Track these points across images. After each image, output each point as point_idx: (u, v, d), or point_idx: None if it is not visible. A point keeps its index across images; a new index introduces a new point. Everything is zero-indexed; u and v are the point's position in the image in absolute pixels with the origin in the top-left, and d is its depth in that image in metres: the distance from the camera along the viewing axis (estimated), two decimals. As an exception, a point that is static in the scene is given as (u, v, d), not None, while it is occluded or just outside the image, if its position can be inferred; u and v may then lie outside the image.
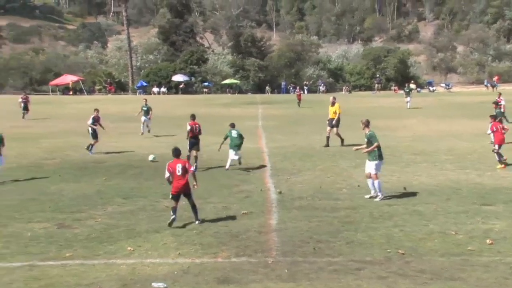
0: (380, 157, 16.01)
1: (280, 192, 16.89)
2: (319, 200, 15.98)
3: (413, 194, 16.56)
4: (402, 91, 61.13)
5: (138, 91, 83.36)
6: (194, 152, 21.35)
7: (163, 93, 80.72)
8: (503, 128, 21.59)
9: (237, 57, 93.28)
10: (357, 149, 17.22)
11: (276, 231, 12.98)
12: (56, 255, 11.46)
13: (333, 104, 27.14)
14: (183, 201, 13.71)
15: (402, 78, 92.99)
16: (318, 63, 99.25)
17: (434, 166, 21.25)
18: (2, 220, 14.09)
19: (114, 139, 29.61)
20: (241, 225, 13.44)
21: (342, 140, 26.45)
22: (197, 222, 13.66)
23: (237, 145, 21.18)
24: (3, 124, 36.45)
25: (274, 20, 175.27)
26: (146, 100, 33.60)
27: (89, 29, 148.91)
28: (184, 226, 13.44)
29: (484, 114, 28.66)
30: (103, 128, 26.18)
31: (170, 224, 13.35)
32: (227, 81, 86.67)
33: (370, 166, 15.91)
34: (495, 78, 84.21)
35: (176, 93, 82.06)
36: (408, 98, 48.02)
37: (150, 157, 22.85)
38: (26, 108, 43.12)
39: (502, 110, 31.97)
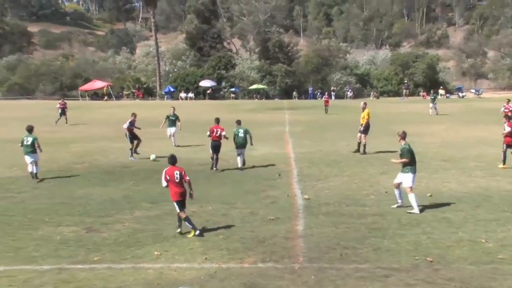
0: (412, 170, 15.47)
1: (307, 198, 16.83)
2: (346, 206, 15.89)
3: (442, 201, 16.36)
4: (438, 97, 60.81)
5: (165, 96, 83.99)
6: (213, 155, 22.26)
7: (191, 98, 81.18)
8: None
9: (265, 63, 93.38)
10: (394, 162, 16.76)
11: (302, 237, 12.94)
12: (84, 259, 11.59)
13: (363, 109, 26.90)
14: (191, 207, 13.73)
15: (431, 83, 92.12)
16: (345, 69, 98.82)
17: (464, 173, 20.98)
18: (33, 224, 14.31)
19: (142, 144, 29.80)
20: (267, 230, 13.42)
21: (363, 147, 26.18)
22: (178, 230, 13.44)
23: (242, 144, 22.20)
24: (34, 129, 37.05)
25: (301, 26, 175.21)
26: (174, 108, 29.83)
27: (117, 35, 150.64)
28: (204, 230, 13.47)
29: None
30: (139, 128, 26.21)
31: (200, 234, 13.13)
32: (254, 86, 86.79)
33: (402, 178, 15.54)
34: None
35: (204, 98, 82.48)
36: (431, 105, 47.45)
37: (152, 157, 23.17)
38: (63, 114, 43.49)
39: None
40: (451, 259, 11.28)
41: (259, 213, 15.15)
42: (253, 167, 22.74)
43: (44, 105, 66.54)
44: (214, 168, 22.08)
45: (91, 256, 11.73)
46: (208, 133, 22.33)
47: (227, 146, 23.00)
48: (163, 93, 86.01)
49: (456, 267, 10.78)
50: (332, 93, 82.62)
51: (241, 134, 22.22)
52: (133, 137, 25.57)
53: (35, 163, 21.00)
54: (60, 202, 16.80)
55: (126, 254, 11.84)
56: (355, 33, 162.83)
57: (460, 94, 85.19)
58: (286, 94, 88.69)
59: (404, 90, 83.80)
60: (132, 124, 25.75)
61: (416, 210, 15.18)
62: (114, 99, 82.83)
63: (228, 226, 13.79)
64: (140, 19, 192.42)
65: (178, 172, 13.50)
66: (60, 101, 46.36)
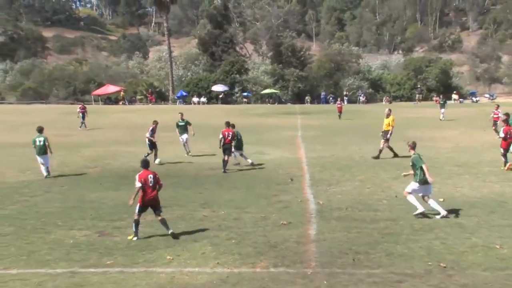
0: (422, 181, 15.23)
1: (320, 203, 16.78)
2: (358, 211, 15.83)
3: (455, 206, 16.24)
4: (450, 101, 60.27)
5: (178, 101, 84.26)
6: (226, 157, 22.96)
7: (203, 103, 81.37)
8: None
9: (277, 67, 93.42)
10: (405, 175, 16.59)
11: (314, 241, 12.90)
12: (97, 263, 11.62)
13: (388, 116, 26.72)
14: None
15: (444, 88, 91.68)
16: (358, 73, 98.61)
17: (477, 178, 20.82)
18: (46, 227, 14.38)
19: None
20: (279, 235, 13.39)
21: (379, 152, 26.10)
22: (170, 231, 13.44)
23: (236, 146, 23.46)
24: (48, 133, 37.30)
25: (314, 30, 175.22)
26: (182, 114, 28.57)
27: (129, 39, 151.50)
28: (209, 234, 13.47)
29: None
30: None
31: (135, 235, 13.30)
32: (267, 91, 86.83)
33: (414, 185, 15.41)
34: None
35: (216, 103, 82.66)
36: (442, 110, 47.21)
37: (156, 161, 23.51)
38: (84, 118, 43.62)
39: (498, 122, 32.56)
40: (464, 265, 11.18)
41: (271, 218, 15.12)
42: (265, 171, 22.74)
43: (58, 109, 67.01)
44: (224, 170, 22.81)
45: (103, 260, 11.76)
46: (221, 136, 23.06)
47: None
48: (176, 97, 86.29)
49: (470, 273, 10.68)
50: (344, 98, 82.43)
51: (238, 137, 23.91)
52: (152, 145, 25.42)
53: (46, 168, 21.81)
54: (73, 206, 16.88)
55: (138, 258, 11.86)
56: (368, 37, 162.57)
57: (474, 99, 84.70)
58: (298, 98, 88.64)
59: (417, 95, 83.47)
60: (153, 132, 25.51)
61: (420, 209, 15.09)
62: (127, 103, 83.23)
63: (240, 231, 13.77)
64: (153, 24, 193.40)
65: (151, 176, 13.57)
66: (80, 106, 46.55)
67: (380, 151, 25.91)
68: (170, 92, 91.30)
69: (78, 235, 13.62)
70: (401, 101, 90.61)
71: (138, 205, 13.46)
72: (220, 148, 23.19)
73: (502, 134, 23.22)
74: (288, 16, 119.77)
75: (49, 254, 12.24)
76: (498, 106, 34.77)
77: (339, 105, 52.48)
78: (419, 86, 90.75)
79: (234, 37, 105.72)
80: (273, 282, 10.34)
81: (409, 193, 15.38)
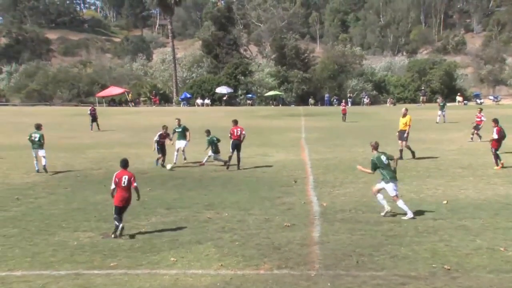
0: (386, 179, 15.30)
1: (323, 205, 16.76)
2: (362, 213, 15.80)
3: (459, 208, 16.21)
4: (454, 103, 60.10)
5: (182, 103, 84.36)
6: (235, 153, 23.66)
7: (207, 105, 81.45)
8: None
9: (281, 69, 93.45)
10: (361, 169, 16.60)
11: (318, 243, 12.88)
12: (100, 264, 11.63)
13: (404, 115, 26.67)
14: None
15: (448, 90, 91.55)
16: (362, 75, 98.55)
17: (482, 180, 20.77)
18: (50, 229, 14.40)
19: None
20: (283, 237, 13.38)
21: (413, 153, 26.05)
22: (113, 235, 13.61)
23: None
24: (52, 135, 37.39)
25: (317, 32, 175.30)
26: (179, 120, 26.57)
27: (133, 41, 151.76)
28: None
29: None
30: (170, 139, 25.46)
31: (120, 235, 13.52)
32: (271, 93, 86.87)
33: (386, 187, 15.45)
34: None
35: (220, 105, 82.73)
36: (440, 112, 46.87)
37: (168, 166, 23.52)
38: (94, 120, 43.59)
39: (480, 126, 32.56)
40: (469, 267, 11.15)
41: (275, 220, 15.11)
42: (269, 173, 22.75)
43: (62, 111, 67.18)
44: (228, 165, 23.66)
45: (107, 262, 11.77)
46: (230, 134, 23.82)
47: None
48: (180, 99, 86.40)
49: (475, 276, 10.65)
50: (348, 99, 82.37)
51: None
52: (161, 149, 24.70)
53: (43, 156, 23.07)
54: (77, 207, 16.91)
55: (142, 260, 11.86)
56: (372, 39, 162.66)
57: (478, 101, 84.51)
58: (302, 100, 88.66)
59: (421, 97, 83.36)
60: (161, 137, 24.71)
61: (409, 214, 15.12)
62: (133, 105, 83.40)
63: (244, 233, 13.77)
64: (157, 26, 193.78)
65: (126, 177, 13.72)
66: (90, 107, 46.61)
67: (401, 151, 25.82)
68: (174, 94, 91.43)
69: (82, 237, 13.63)
70: (405, 103, 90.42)
71: (114, 205, 13.75)
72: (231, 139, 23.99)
73: (495, 135, 23.55)
74: (292, 18, 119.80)
75: (53, 256, 12.25)
76: (481, 110, 34.44)
77: (343, 107, 52.01)
78: (423, 88, 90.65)
79: (238, 39, 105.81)
80: (277, 284, 10.33)
81: (396, 196, 15.40)
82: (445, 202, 16.98)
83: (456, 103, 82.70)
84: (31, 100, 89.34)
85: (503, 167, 23.07)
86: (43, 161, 23.03)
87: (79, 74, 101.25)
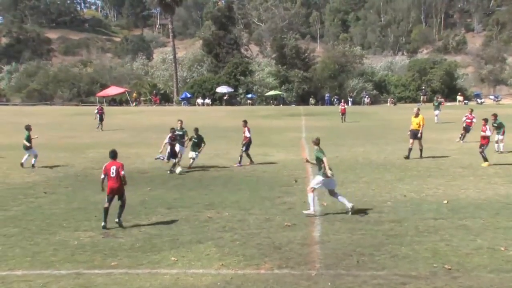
0: (325, 174, 15.48)
1: (323, 205, 16.76)
2: (363, 212, 15.80)
3: (460, 208, 16.21)
4: (454, 103, 59.84)
5: (182, 102, 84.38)
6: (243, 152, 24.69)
7: (207, 104, 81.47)
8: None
9: (281, 68, 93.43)
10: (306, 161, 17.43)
11: (319, 243, 12.88)
12: (101, 264, 11.63)
13: (417, 115, 26.73)
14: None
15: (449, 90, 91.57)
16: (362, 75, 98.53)
17: (482, 180, 20.76)
18: (51, 228, 14.41)
19: (159, 149, 29.92)
20: (283, 237, 13.38)
21: (421, 151, 26.17)
22: (116, 220, 14.38)
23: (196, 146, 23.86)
24: (52, 135, 37.41)
25: (318, 32, 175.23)
26: (181, 122, 24.65)
27: (133, 41, 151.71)
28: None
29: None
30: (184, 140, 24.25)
31: (104, 227, 14.15)
32: (271, 92, 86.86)
33: (316, 178, 15.70)
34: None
35: (220, 104, 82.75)
36: (437, 112, 46.74)
37: (178, 170, 22.89)
38: (101, 119, 43.55)
39: (471, 127, 32.75)
40: (470, 267, 11.14)
41: (276, 219, 15.11)
42: (269, 172, 22.75)
43: (62, 111, 67.22)
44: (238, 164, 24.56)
45: (108, 261, 11.77)
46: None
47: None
48: (180, 99, 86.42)
49: (475, 275, 10.64)
50: (349, 99, 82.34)
51: (195, 139, 23.90)
52: (172, 154, 23.29)
53: (35, 156, 24.61)
54: (77, 207, 16.91)
55: (143, 260, 11.87)
56: (372, 39, 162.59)
57: (479, 101, 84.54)
58: (302, 100, 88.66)
59: (422, 97, 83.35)
60: (171, 139, 23.35)
61: (311, 210, 15.31)
62: (131, 104, 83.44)
63: (245, 232, 13.77)
64: (157, 26, 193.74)
65: (114, 167, 14.31)
66: (97, 107, 46.63)
67: (410, 150, 25.98)
68: (175, 93, 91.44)
69: (83, 236, 13.64)
70: (405, 102, 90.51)
71: (106, 195, 14.39)
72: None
73: (489, 133, 24.76)
74: (293, 18, 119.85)
75: (54, 255, 12.26)
76: (472, 110, 34.22)
77: (342, 107, 51.40)
78: (423, 87, 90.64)
79: (239, 39, 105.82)
80: (278, 283, 10.33)
81: (313, 189, 15.59)
82: (445, 201, 16.98)
83: (457, 103, 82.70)
84: (31, 99, 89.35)
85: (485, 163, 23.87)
86: (32, 161, 24.47)
87: (79, 73, 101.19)
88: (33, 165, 24.29)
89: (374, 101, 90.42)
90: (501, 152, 27.59)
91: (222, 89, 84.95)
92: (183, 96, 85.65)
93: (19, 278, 10.88)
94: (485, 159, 23.99)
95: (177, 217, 15.50)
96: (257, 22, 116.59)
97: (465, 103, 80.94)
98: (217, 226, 14.43)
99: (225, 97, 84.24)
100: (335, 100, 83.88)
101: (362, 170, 23.36)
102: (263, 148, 29.52)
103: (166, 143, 23.81)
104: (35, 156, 24.65)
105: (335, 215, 15.52)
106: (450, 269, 10.99)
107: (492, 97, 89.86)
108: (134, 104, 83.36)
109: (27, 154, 24.65)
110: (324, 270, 11.03)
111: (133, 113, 62.96)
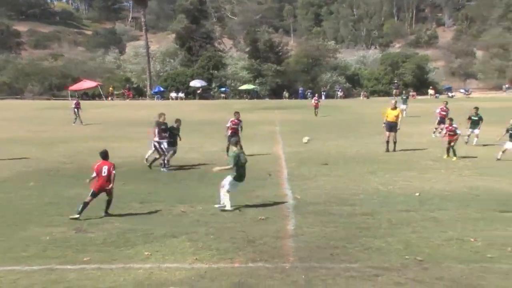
0: (236, 178, 15.55)
1: (297, 198, 16.85)
2: (336, 205, 15.92)
3: (431, 200, 16.43)
4: (426, 96, 60.20)
5: (155, 96, 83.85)
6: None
7: (181, 98, 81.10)
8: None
9: (255, 62, 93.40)
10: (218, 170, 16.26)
11: (292, 236, 12.94)
12: (73, 259, 11.52)
13: (394, 108, 27.05)
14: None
15: (420, 83, 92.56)
16: (335, 69, 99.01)
17: (453, 172, 21.09)
18: (22, 224, 14.22)
19: (134, 144, 29.76)
20: (257, 230, 13.41)
21: (395, 144, 26.55)
22: (104, 214, 14.86)
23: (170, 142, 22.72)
24: (23, 129, 36.90)
25: (291, 26, 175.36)
26: (164, 115, 23.25)
27: (105, 34, 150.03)
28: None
29: (503, 120, 28.47)
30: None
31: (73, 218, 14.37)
32: (245, 86, 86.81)
33: (226, 179, 15.69)
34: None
35: (194, 98, 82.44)
36: (404, 106, 47.07)
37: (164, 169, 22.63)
38: (77, 113, 42.85)
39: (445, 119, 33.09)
40: (440, 258, 11.31)
41: (250, 213, 15.14)
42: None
43: (33, 105, 66.25)
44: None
45: (80, 257, 11.67)
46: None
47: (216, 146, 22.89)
48: (153, 93, 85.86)
49: (446, 266, 10.81)
50: (322, 93, 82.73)
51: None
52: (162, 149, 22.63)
53: None
54: (49, 202, 16.71)
55: (116, 255, 11.79)
56: (345, 33, 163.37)
57: (449, 94, 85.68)
58: (276, 94, 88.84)
59: (394, 90, 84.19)
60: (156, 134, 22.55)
61: (228, 207, 15.39)
62: (104, 99, 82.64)
63: (219, 226, 13.77)
64: (130, 19, 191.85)
65: (106, 167, 14.66)
66: (74, 101, 46.05)
67: (387, 143, 26.28)
68: (148, 87, 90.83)
69: (55, 232, 13.48)
70: (378, 96, 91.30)
71: (92, 190, 14.62)
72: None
73: (458, 131, 25.30)
74: (266, 12, 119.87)
75: (25, 251, 12.10)
76: (447, 102, 34.54)
77: (315, 101, 51.53)
78: (396, 81, 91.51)
79: (211, 32, 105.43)
80: (251, 277, 10.36)
81: (224, 188, 15.59)
82: (417, 194, 17.21)
83: (429, 96, 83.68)
84: (1, 93, 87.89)
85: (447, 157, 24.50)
86: None
87: (50, 67, 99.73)
88: None
89: (347, 95, 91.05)
90: (474, 145, 28.03)
91: (195, 83, 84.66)
92: (156, 90, 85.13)
93: (-10, 274, 10.72)
94: (452, 154, 24.47)
95: (150, 211, 15.44)
96: (230, 16, 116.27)
97: (436, 97, 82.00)
98: (191, 220, 14.41)
99: (198, 91, 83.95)
100: (309, 93, 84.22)
101: (335, 163, 23.52)
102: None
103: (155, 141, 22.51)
104: None
105: (309, 208, 15.61)
106: (421, 260, 11.13)
107: (462, 90, 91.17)
108: (109, 98, 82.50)
109: None
110: (297, 263, 11.09)
111: (106, 107, 62.37)
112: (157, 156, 22.68)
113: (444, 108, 33.03)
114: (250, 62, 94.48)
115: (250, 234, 13.06)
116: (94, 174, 14.71)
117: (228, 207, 15.42)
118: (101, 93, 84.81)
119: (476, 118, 28.78)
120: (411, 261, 11.11)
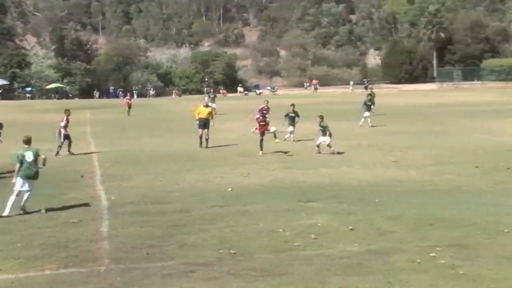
0: (20, 174, 15.22)
1: (111, 199, 16.51)
2: (151, 204, 15.85)
3: (243, 195, 17.01)
4: (236, 94, 62.11)
5: None
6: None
7: (-20, 98, 75.14)
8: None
9: (62, 61, 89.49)
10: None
11: (107, 238, 12.65)
12: None
13: (207, 105, 28.63)
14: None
15: (230, 81, 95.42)
16: (147, 67, 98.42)
17: (263, 167, 22.04)
18: None
19: None
20: (70, 234, 12.91)
21: (207, 141, 27.29)
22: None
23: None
24: None
25: (100, 23, 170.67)
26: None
27: None
28: None
29: (307, 115, 30.43)
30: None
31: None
32: (52, 85, 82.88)
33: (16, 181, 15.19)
34: (314, 82, 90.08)
35: (-6, 98, 76.86)
36: (214, 105, 48.30)
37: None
38: None
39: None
40: (252, 250, 11.74)
41: (61, 217, 14.51)
42: (52, 169, 21.72)
43: None
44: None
45: None
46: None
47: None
48: None
49: (258, 257, 11.25)
50: (134, 92, 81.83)
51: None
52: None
53: None
54: None
55: None
56: (155, 31, 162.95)
57: (257, 91, 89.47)
58: (86, 93, 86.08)
59: (205, 88, 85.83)
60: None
61: (6, 211, 14.93)
62: None
63: (26, 233, 13.00)
64: None
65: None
66: None
67: (201, 138, 27.05)
68: None
69: None
70: (190, 94, 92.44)
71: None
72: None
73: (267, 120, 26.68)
74: (72, 8, 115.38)
75: None
76: (268, 101, 34.94)
77: (128, 101, 50.78)
78: (206, 79, 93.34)
79: (12, 28, 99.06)
80: (64, 283, 9.95)
81: (17, 192, 15.23)
82: (230, 189, 17.73)
83: (238, 94, 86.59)
84: None
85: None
86: None
87: None
88: None
89: (159, 93, 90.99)
90: (286, 140, 29.27)
91: (-4, 82, 79.05)
92: None
93: None
94: (261, 148, 25.33)
95: None
96: (33, 12, 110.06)
97: (245, 94, 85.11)
98: (-5, 229, 13.45)
99: (0, 91, 78.50)
100: (120, 92, 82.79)
101: (150, 162, 23.43)
102: (45, 144, 28.07)
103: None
104: None
105: (124, 208, 15.37)
106: (235, 253, 11.48)
107: (268, 88, 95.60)
108: None
109: None
110: (113, 265, 10.87)
111: None
112: None
113: (265, 107, 33.26)
114: (57, 60, 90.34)
115: (62, 239, 12.53)
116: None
117: (6, 211, 14.79)
118: None
119: (293, 115, 30.12)
120: (225, 255, 11.41)
